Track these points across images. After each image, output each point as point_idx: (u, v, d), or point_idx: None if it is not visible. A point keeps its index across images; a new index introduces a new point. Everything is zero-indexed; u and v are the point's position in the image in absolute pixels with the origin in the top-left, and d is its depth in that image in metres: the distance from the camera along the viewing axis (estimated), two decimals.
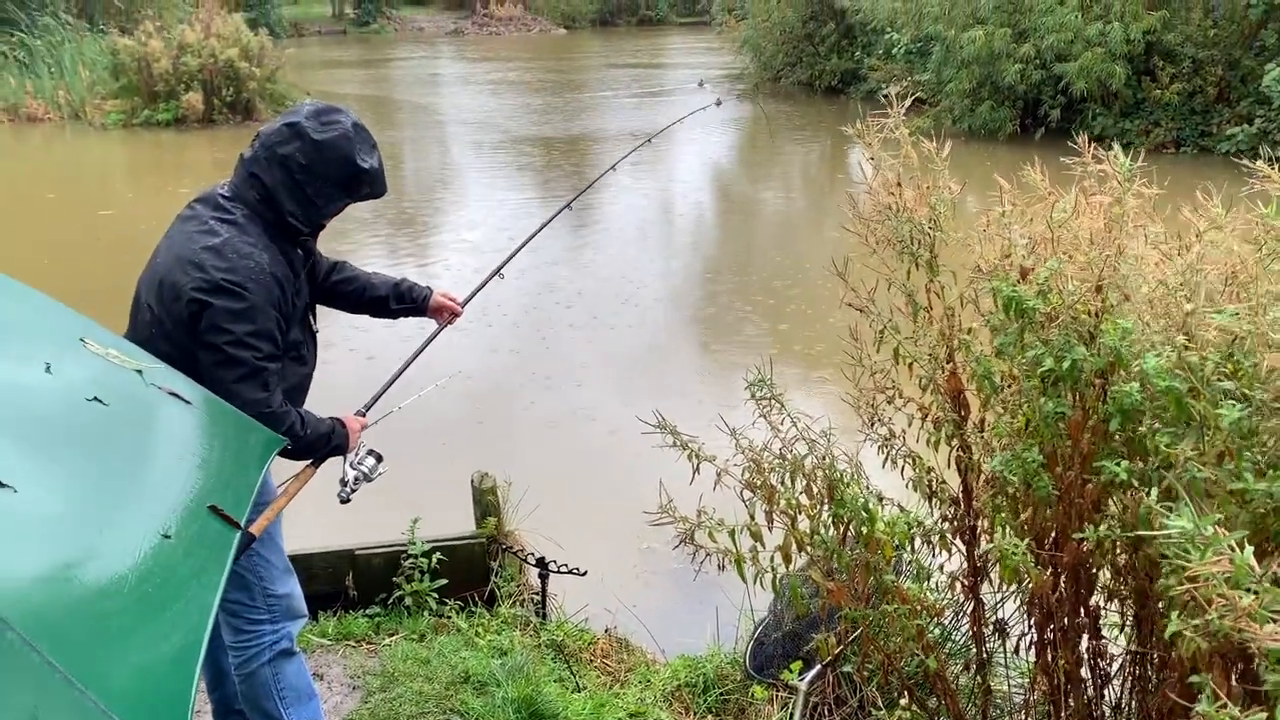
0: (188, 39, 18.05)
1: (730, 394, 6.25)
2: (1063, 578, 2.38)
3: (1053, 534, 2.38)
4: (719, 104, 20.57)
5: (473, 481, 4.04)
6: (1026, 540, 2.24)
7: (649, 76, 25.79)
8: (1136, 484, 2.05)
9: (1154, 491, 2.00)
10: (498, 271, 3.46)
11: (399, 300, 3.04)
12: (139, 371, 1.95)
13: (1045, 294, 2.24)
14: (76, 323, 2.00)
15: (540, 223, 3.87)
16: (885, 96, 2.80)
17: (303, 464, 2.63)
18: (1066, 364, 2.10)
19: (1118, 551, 2.32)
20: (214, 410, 2.09)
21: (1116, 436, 2.18)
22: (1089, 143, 2.39)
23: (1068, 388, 2.20)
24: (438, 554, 3.92)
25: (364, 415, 2.85)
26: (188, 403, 1.98)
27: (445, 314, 3.13)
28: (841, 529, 2.61)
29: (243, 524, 1.76)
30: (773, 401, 2.67)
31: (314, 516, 3.57)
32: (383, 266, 8.23)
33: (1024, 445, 2.30)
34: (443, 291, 3.14)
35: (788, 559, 2.60)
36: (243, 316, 2.37)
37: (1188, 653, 1.85)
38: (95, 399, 1.72)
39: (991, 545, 2.35)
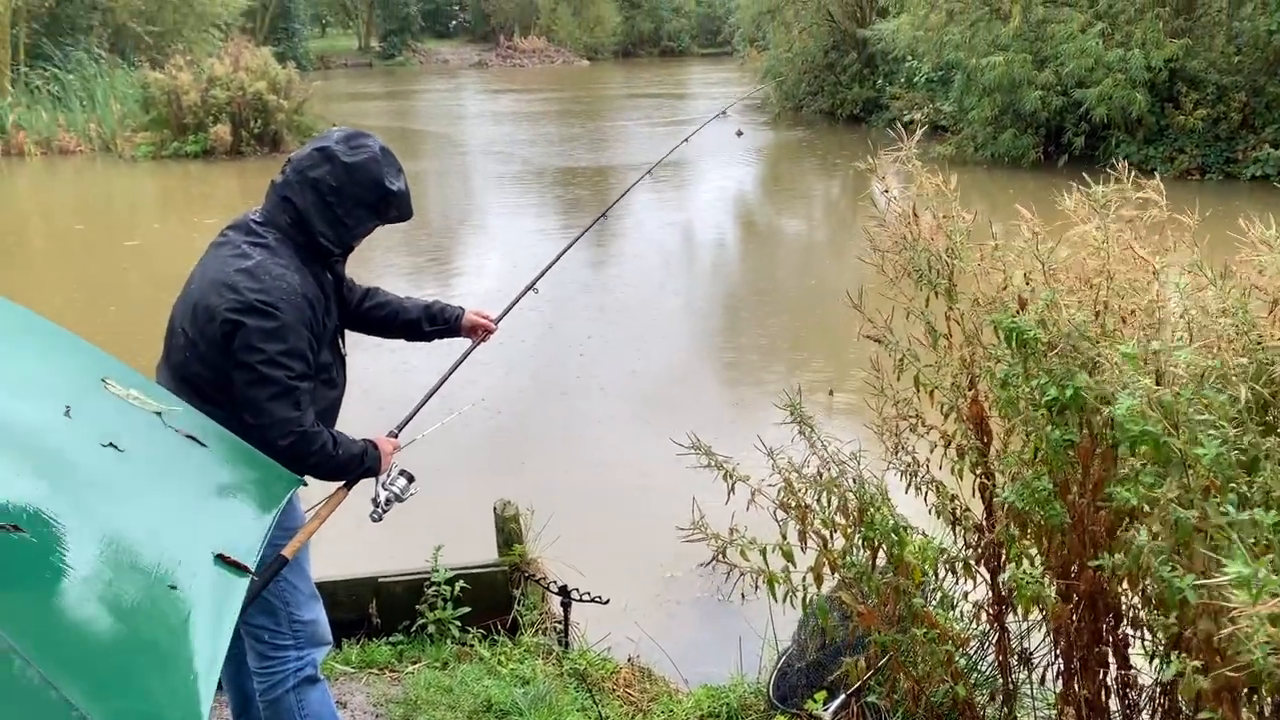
0: (217, 72, 18.38)
1: (755, 420, 6.24)
2: (1081, 606, 2.35)
3: (1075, 563, 2.36)
4: (740, 134, 20.63)
5: (495, 509, 4.05)
6: (1040, 569, 2.23)
7: (671, 106, 25.96)
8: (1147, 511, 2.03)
9: (1144, 532, 1.99)
10: (531, 287, 3.46)
11: (431, 322, 3.07)
12: (158, 413, 1.98)
13: (1044, 323, 2.24)
14: (99, 363, 2.03)
15: (569, 246, 3.88)
16: (902, 124, 2.82)
17: (335, 486, 2.65)
18: (1069, 392, 2.10)
19: (1147, 580, 2.30)
20: (231, 453, 2.11)
21: (1127, 462, 2.16)
22: (1126, 169, 2.40)
23: (1074, 415, 2.19)
24: (460, 582, 3.92)
25: (396, 437, 2.87)
26: (204, 446, 2.01)
27: (479, 332, 3.16)
28: (871, 552, 2.60)
29: (254, 567, 1.77)
30: (804, 424, 2.68)
31: (337, 543, 3.59)
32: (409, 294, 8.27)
33: (1034, 474, 2.29)
34: (475, 310, 3.17)
35: (819, 580, 2.59)
36: (275, 336, 2.41)
37: (1189, 695, 1.83)
38: (111, 445, 1.75)
39: (1006, 575, 2.34)
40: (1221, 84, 14.88)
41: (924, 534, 2.69)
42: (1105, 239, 2.28)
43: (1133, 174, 2.43)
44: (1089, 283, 2.34)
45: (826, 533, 2.62)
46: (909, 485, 2.67)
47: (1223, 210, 2.45)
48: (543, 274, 3.51)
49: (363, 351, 7.03)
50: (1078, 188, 2.42)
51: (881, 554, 2.62)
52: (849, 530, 2.61)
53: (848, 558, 2.60)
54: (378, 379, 7.15)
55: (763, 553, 2.55)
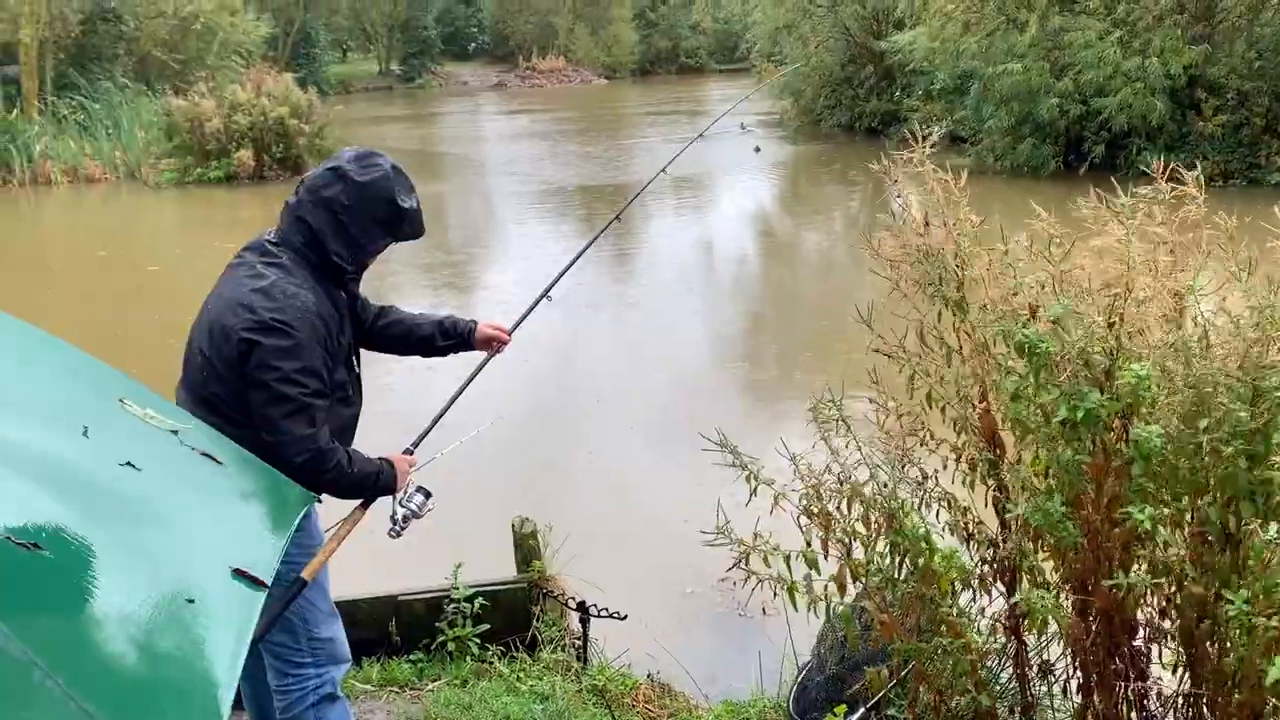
0: (239, 98, 18.61)
1: (775, 434, 6.24)
2: (1096, 622, 2.33)
3: (1090, 579, 2.35)
4: (758, 150, 20.60)
5: (513, 526, 4.06)
6: (1055, 591, 2.20)
7: (690, 123, 26.00)
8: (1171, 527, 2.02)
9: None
10: (545, 294, 3.46)
11: (445, 336, 3.08)
12: (174, 432, 2.01)
13: (1058, 334, 2.22)
14: (116, 383, 2.07)
15: (584, 250, 3.87)
16: (911, 134, 2.82)
17: (353, 505, 2.67)
18: (1081, 414, 2.08)
19: (1169, 591, 2.28)
20: (246, 470, 2.14)
21: (1137, 478, 2.15)
22: (1161, 168, 2.39)
23: (1086, 433, 2.18)
24: (479, 599, 3.93)
25: (412, 453, 2.89)
26: (220, 463, 2.04)
27: (494, 344, 3.16)
28: (898, 559, 2.58)
29: (270, 582, 1.80)
30: (837, 424, 2.66)
31: (357, 561, 3.61)
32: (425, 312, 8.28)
33: (1045, 494, 2.27)
34: (488, 322, 3.17)
35: (842, 588, 2.58)
36: (290, 354, 2.44)
37: None
38: (128, 463, 1.78)
39: (1018, 596, 2.31)
40: (1243, 90, 14.78)
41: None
42: (1128, 247, 2.26)
43: (1168, 171, 2.41)
44: (1108, 290, 2.33)
45: (849, 541, 2.61)
46: (920, 502, 2.65)
47: (1248, 217, 2.42)
48: (555, 281, 3.49)
49: (387, 373, 7.10)
50: (1094, 192, 2.40)
51: (908, 561, 2.61)
52: (869, 539, 2.59)
53: (872, 565, 2.59)
54: (399, 398, 7.19)
55: (785, 560, 2.55)
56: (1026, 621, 2.27)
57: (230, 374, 2.49)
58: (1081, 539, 2.22)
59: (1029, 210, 2.62)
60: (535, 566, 4.02)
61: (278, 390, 2.44)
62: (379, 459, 2.70)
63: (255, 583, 1.76)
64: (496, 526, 4.20)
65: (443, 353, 3.14)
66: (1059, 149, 15.93)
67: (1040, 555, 2.41)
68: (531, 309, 3.39)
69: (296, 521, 2.09)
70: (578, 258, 3.70)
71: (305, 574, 2.45)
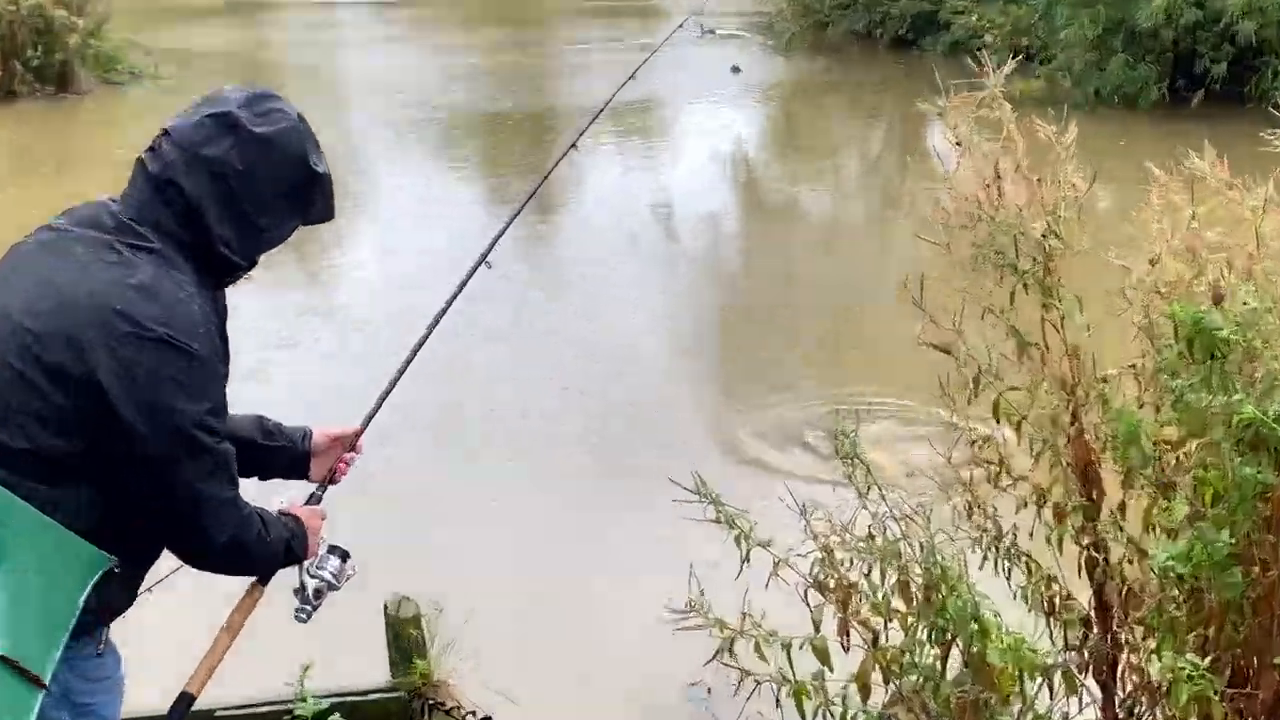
0: None
1: (761, 469, 6.24)
2: None
3: (1242, 662, 2.39)
4: (736, 70, 20.76)
5: (386, 609, 4.04)
6: (1209, 658, 2.24)
7: (641, 26, 26.09)
8: None
9: None
10: (484, 259, 3.40)
11: (267, 437, 2.92)
12: None
13: (1243, 326, 2.26)
14: None
15: (533, 194, 3.95)
16: (979, 50, 2.86)
17: (244, 588, 2.67)
18: (1276, 406, 2.11)
19: None
20: (26, 528, 2.12)
21: None
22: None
23: (1268, 452, 2.21)
24: (336, 715, 3.90)
25: (319, 501, 2.88)
26: None
27: (337, 462, 3.01)
28: (942, 650, 2.61)
29: (47, 679, 1.80)
30: (855, 460, 2.69)
31: (157, 652, 3.55)
32: (269, 299, 8.15)
33: (1210, 524, 2.30)
34: (324, 428, 3.02)
35: (865, 691, 2.60)
36: (195, 387, 2.33)
37: None
38: None
39: (1160, 666, 2.33)
40: None
41: (1007, 630, 2.71)
42: None
43: None
44: None
45: (879, 622, 2.63)
46: (984, 559, 2.68)
47: None
48: (491, 246, 3.43)
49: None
50: None
51: (955, 654, 2.64)
52: (909, 619, 2.61)
53: (906, 658, 2.61)
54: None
55: (785, 649, 2.56)
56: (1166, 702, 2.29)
57: (74, 406, 2.28)
58: (1249, 596, 2.26)
59: (1119, 154, 2.68)
60: (418, 667, 4.01)
61: (193, 442, 2.32)
62: (283, 516, 2.68)
63: (30, 680, 1.76)
64: (368, 605, 4.15)
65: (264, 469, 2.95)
66: (1164, 70, 16.17)
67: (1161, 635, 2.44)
68: (467, 279, 3.33)
69: (87, 590, 2.10)
70: (514, 217, 3.74)
71: (193, 689, 2.49)
